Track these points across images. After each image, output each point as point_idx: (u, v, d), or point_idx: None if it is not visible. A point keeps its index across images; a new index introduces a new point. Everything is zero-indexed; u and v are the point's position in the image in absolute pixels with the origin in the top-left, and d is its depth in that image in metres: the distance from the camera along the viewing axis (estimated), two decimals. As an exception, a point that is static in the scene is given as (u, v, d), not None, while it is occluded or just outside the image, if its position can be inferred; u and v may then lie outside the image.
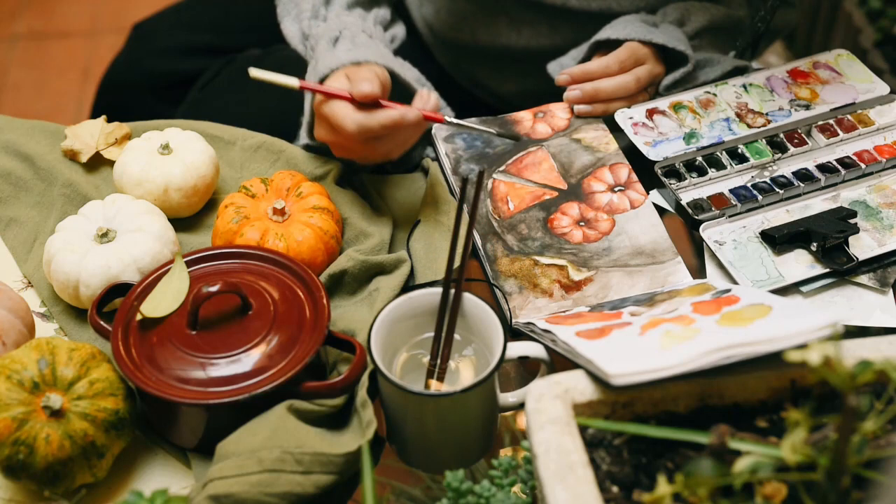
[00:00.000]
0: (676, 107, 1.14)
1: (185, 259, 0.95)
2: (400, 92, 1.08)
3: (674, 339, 0.80)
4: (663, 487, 0.67)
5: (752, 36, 1.27)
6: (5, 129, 1.16)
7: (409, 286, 1.00)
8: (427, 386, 0.89)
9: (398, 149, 1.03)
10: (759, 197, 1.05)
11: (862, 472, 0.67)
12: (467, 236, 0.89)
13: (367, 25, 1.12)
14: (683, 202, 1.05)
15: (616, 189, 1.08)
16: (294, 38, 1.14)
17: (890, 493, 0.62)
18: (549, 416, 0.74)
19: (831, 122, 1.12)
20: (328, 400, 0.88)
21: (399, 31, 1.15)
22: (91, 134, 1.14)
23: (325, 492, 0.83)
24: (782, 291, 0.97)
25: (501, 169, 1.11)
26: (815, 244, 0.99)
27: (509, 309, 0.99)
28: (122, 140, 1.14)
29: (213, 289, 0.88)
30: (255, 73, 1.01)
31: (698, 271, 1.02)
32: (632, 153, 1.11)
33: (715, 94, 1.15)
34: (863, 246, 1.00)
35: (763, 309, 0.82)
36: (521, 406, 0.90)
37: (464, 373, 0.91)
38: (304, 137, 1.12)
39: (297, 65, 1.17)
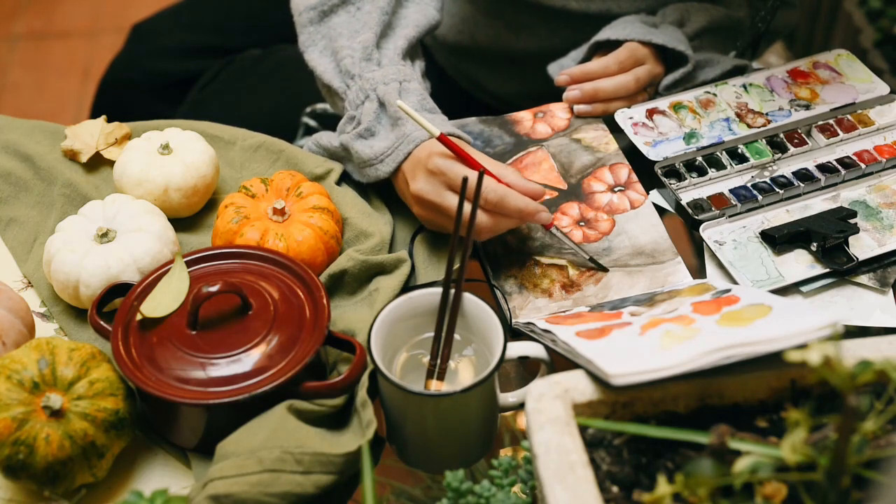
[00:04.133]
0: (676, 107, 1.14)
1: (185, 259, 0.95)
2: None
3: (674, 339, 0.80)
4: (663, 487, 0.67)
5: (753, 36, 1.27)
6: (5, 129, 1.16)
7: (409, 286, 1.00)
8: (427, 386, 0.89)
9: (490, 233, 0.98)
10: (759, 197, 1.05)
11: (862, 472, 0.67)
12: (467, 236, 0.89)
13: (420, 79, 1.09)
14: (683, 202, 1.05)
15: (616, 189, 1.08)
16: (326, 72, 1.09)
17: (890, 493, 0.62)
18: (549, 416, 0.74)
19: (831, 122, 1.12)
20: (328, 400, 0.88)
21: (429, 83, 1.14)
22: (91, 134, 1.14)
23: (325, 492, 0.83)
24: (782, 291, 0.97)
25: (501, 169, 1.11)
26: (815, 244, 0.99)
27: (509, 309, 0.99)
28: (122, 140, 1.14)
29: (213, 289, 0.88)
30: (402, 105, 0.97)
31: (698, 271, 1.02)
32: (632, 153, 1.11)
33: (715, 94, 1.15)
34: (863, 246, 1.00)
35: (763, 309, 0.82)
36: (521, 406, 0.90)
37: (464, 373, 0.91)
38: (371, 171, 1.04)
39: (297, 66, 1.17)
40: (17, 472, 0.83)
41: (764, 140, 1.11)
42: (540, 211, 0.97)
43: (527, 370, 0.98)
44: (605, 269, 1.01)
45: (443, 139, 0.97)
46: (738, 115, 1.13)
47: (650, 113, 1.13)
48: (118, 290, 0.94)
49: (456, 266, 0.90)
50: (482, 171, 0.88)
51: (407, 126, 1.01)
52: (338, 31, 1.09)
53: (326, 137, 1.12)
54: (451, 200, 0.97)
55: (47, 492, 0.86)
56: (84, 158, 1.12)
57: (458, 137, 1.02)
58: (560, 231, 1.01)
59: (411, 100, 1.05)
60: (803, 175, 1.07)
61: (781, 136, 1.11)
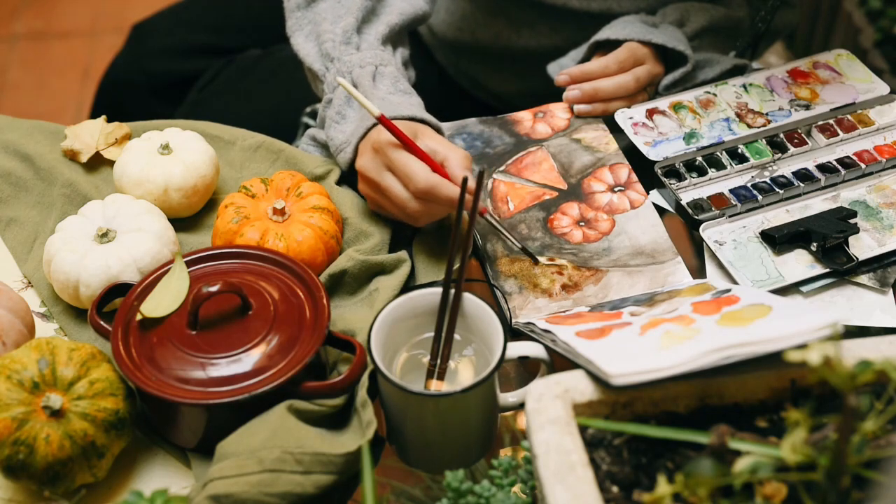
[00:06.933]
0: (676, 107, 1.14)
1: (185, 259, 0.95)
2: None
3: (674, 339, 0.80)
4: (663, 487, 0.67)
5: (753, 36, 1.27)
6: (5, 129, 1.16)
7: (409, 286, 1.00)
8: (427, 386, 0.89)
9: (426, 219, 1.00)
10: (759, 197, 1.05)
11: (862, 472, 0.67)
12: (467, 236, 0.89)
13: (399, 65, 1.10)
14: (683, 202, 1.05)
15: (616, 189, 1.08)
16: (309, 55, 1.10)
17: (890, 493, 0.62)
18: (549, 416, 0.74)
19: (831, 122, 1.12)
20: (328, 400, 0.88)
21: (412, 72, 1.15)
22: (91, 134, 1.14)
23: (325, 492, 0.83)
24: (782, 291, 0.97)
25: (501, 169, 1.11)
26: (815, 244, 0.99)
27: (509, 309, 0.99)
28: (122, 140, 1.14)
29: (213, 289, 0.88)
30: (342, 82, 0.99)
31: (698, 271, 1.02)
32: (632, 153, 1.11)
33: (715, 94, 1.15)
34: (863, 246, 1.00)
35: (763, 309, 0.82)
36: (521, 406, 0.90)
37: (464, 373, 0.91)
38: (336, 142, 1.06)
39: (296, 66, 1.17)
40: (17, 472, 0.83)
41: (764, 140, 1.11)
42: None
43: (527, 370, 0.98)
44: (536, 261, 1.01)
45: (381, 119, 0.97)
46: (738, 115, 1.13)
47: (650, 113, 1.13)
48: (118, 290, 0.94)
49: (456, 266, 0.90)
50: (482, 171, 0.88)
51: (385, 105, 1.02)
52: (322, 15, 1.11)
53: (318, 132, 1.13)
54: (388, 181, 0.98)
55: (47, 492, 0.86)
56: (84, 158, 1.12)
57: (422, 121, 1.02)
58: (493, 217, 1.02)
59: (385, 83, 1.06)
60: (803, 175, 1.07)
61: (781, 136, 1.11)
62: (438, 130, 1.03)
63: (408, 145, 0.97)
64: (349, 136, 1.04)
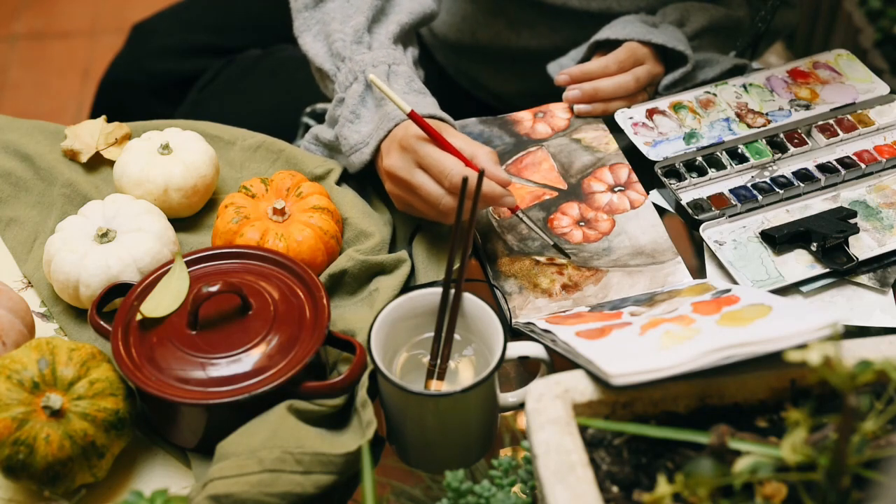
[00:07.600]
0: (676, 107, 1.14)
1: (185, 259, 0.95)
2: None
3: (674, 339, 0.80)
4: (663, 487, 0.67)
5: (753, 36, 1.27)
6: (5, 129, 1.16)
7: (409, 286, 1.00)
8: (427, 386, 0.89)
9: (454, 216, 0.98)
10: (759, 197, 1.05)
11: (862, 472, 0.67)
12: (467, 236, 0.89)
13: (411, 63, 1.10)
14: (683, 202, 1.05)
15: (616, 189, 1.08)
16: (318, 55, 1.10)
17: (890, 493, 0.62)
18: (549, 416, 0.74)
19: (831, 122, 1.12)
20: (328, 400, 0.88)
21: (421, 71, 1.15)
22: (91, 134, 1.14)
23: (325, 492, 0.83)
24: (782, 291, 0.97)
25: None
26: (815, 244, 0.99)
27: (509, 309, 0.99)
28: (122, 140, 1.14)
29: (213, 289, 0.88)
30: (373, 79, 0.98)
31: (698, 271, 1.02)
32: (632, 153, 1.11)
33: (715, 94, 1.15)
34: (863, 246, 1.00)
35: (763, 309, 0.82)
36: (521, 406, 0.90)
37: (464, 373, 0.91)
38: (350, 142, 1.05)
39: (296, 66, 1.17)
40: (17, 472, 0.83)
41: (764, 140, 1.11)
42: (504, 196, 0.97)
43: (527, 370, 0.98)
44: (567, 256, 1.01)
45: (413, 116, 0.97)
46: (738, 115, 1.13)
47: (650, 113, 1.13)
48: (118, 290, 0.94)
49: (456, 266, 0.90)
50: (482, 172, 0.88)
51: (389, 106, 1.02)
52: (331, 15, 1.10)
53: (323, 131, 1.12)
54: (420, 178, 0.97)
55: (47, 492, 0.86)
56: (84, 158, 1.12)
57: (441, 119, 1.02)
58: (524, 214, 1.01)
59: (399, 82, 1.05)
60: (803, 175, 1.07)
61: (781, 136, 1.11)
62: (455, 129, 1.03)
63: (438, 141, 0.97)
64: (366, 137, 1.03)
